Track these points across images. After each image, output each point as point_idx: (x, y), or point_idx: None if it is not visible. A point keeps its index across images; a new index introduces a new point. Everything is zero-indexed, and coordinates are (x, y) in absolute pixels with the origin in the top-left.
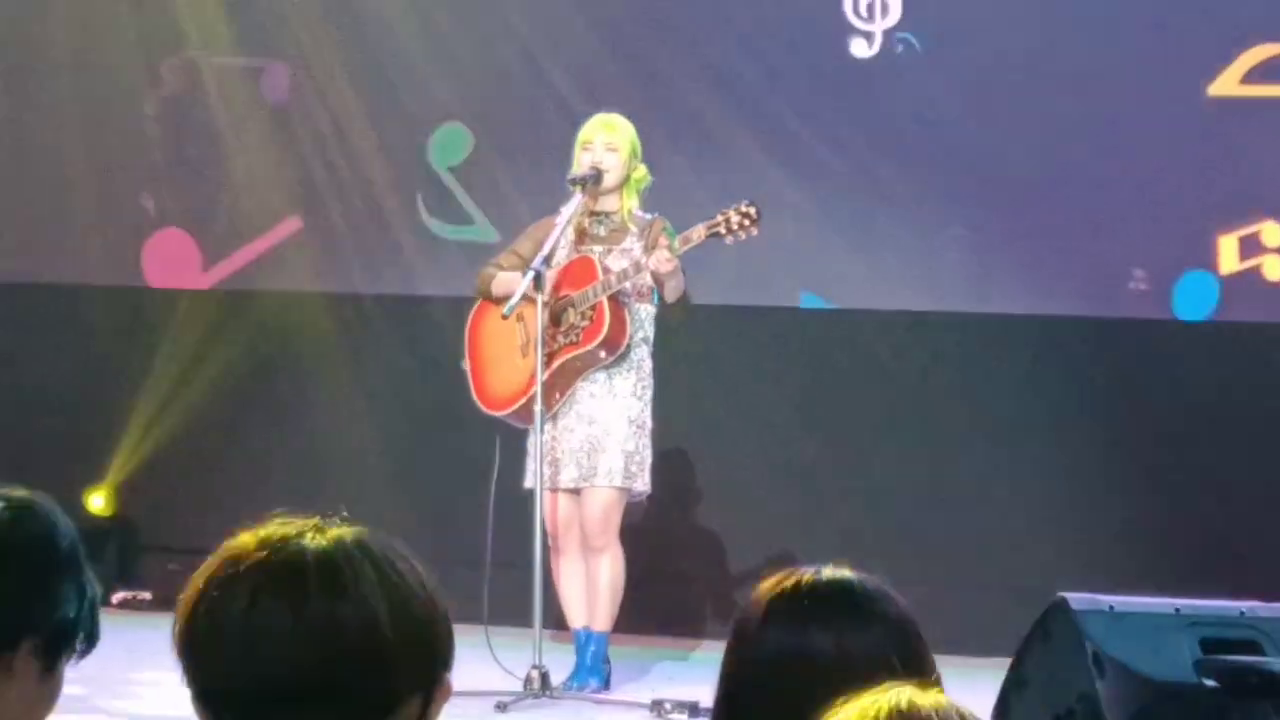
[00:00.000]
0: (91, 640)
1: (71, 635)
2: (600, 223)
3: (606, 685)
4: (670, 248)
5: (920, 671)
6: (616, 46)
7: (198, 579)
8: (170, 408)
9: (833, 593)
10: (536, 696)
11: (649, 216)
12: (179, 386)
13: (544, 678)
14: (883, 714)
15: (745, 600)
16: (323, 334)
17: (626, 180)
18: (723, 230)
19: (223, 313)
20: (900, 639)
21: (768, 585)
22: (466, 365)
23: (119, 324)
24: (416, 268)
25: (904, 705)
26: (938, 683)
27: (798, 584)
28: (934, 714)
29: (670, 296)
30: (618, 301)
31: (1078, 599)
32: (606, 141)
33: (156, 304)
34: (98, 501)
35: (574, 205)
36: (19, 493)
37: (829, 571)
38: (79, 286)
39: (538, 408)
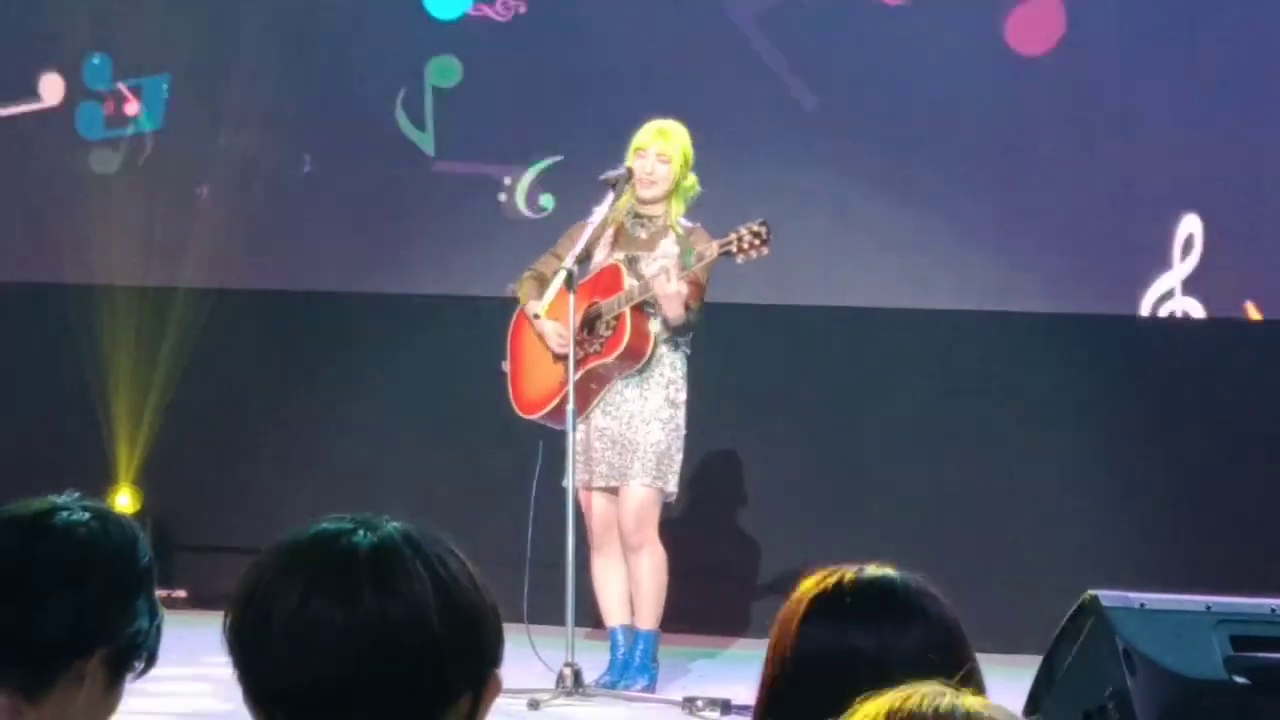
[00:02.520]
0: (152, 661)
1: (140, 650)
2: (642, 225)
3: (654, 685)
4: (685, 266)
5: (960, 674)
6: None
7: (248, 576)
8: (189, 405)
9: (874, 592)
10: (569, 694)
11: (690, 225)
12: (199, 384)
13: (577, 675)
14: (881, 713)
15: (789, 597)
16: (359, 332)
17: (674, 189)
18: (734, 249)
19: (255, 310)
20: (942, 640)
21: (810, 582)
22: (506, 367)
23: (139, 322)
24: (454, 266)
25: (911, 706)
26: (976, 681)
27: (839, 582)
28: (930, 714)
29: (667, 327)
30: (641, 311)
31: (1109, 596)
32: (659, 151)
33: (179, 302)
34: (123, 501)
35: (606, 205)
36: (103, 505)
37: (871, 570)
38: (91, 286)
39: (569, 407)
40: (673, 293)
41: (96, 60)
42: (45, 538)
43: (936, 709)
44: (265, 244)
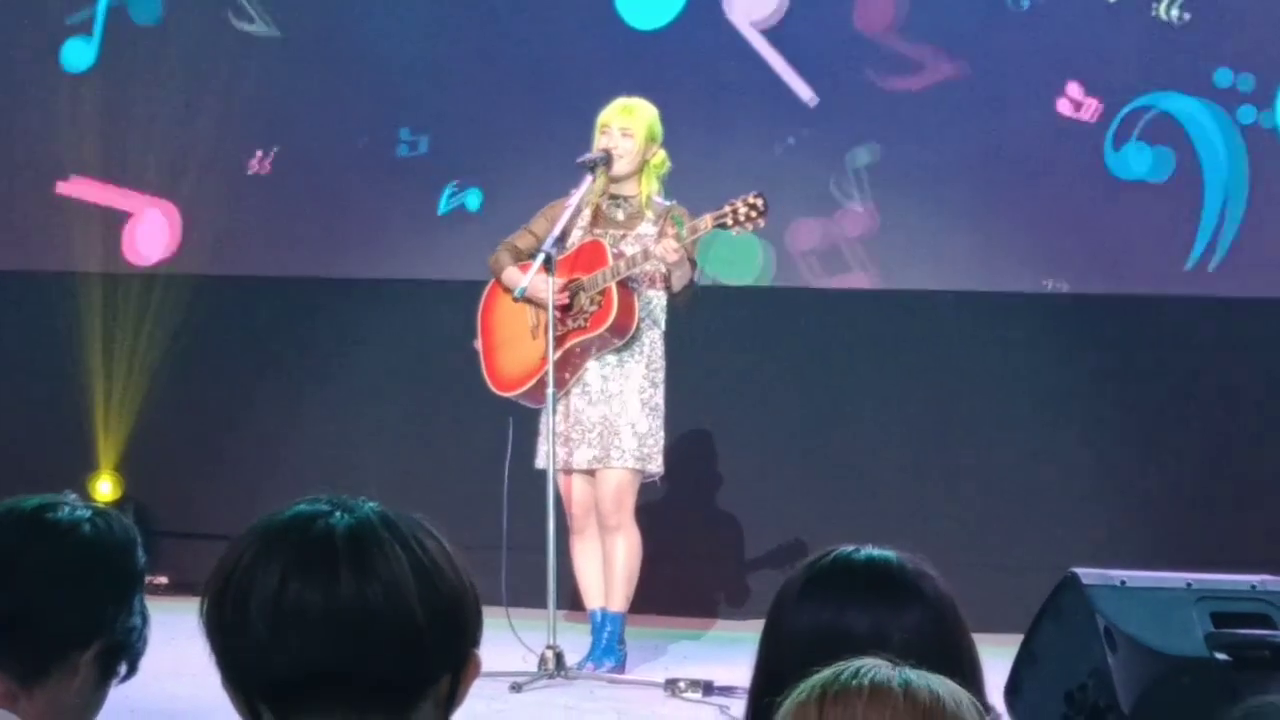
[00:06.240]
0: (134, 668)
1: (129, 650)
2: (618, 206)
3: (622, 667)
4: (678, 236)
5: (958, 655)
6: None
7: (225, 560)
8: (166, 391)
9: (872, 572)
10: (551, 677)
11: (666, 203)
12: (174, 370)
13: (559, 658)
14: (817, 689)
15: (770, 578)
16: (334, 317)
17: (644, 166)
18: (729, 221)
19: (231, 296)
20: (938, 621)
21: (808, 562)
22: (479, 345)
23: (111, 308)
24: (425, 251)
25: (846, 680)
26: (972, 661)
27: (836, 561)
28: (864, 689)
29: (675, 286)
30: (626, 287)
31: (1089, 574)
32: (622, 126)
33: (156, 289)
34: (104, 488)
35: (584, 188)
36: (103, 506)
37: (869, 550)
38: (70, 273)
39: (549, 390)
40: (679, 258)
41: None
42: (51, 531)
43: (873, 680)
44: (240, 230)
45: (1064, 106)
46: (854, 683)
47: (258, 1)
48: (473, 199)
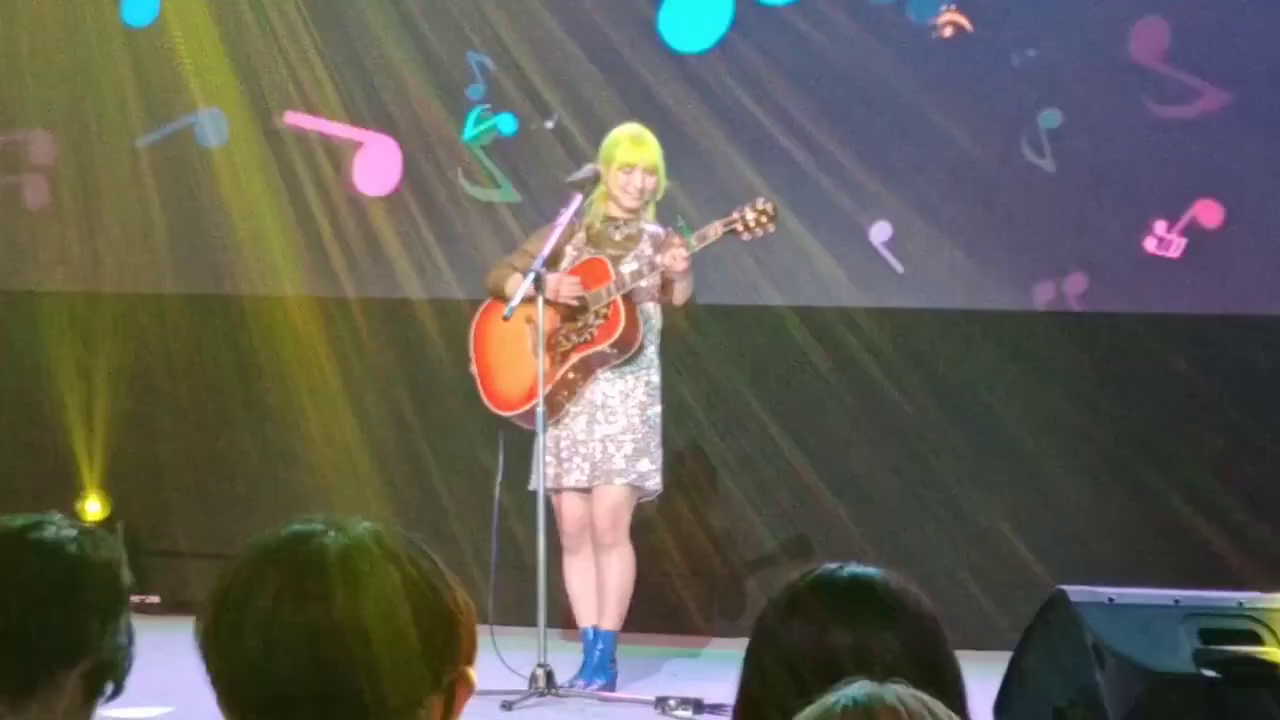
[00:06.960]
0: (120, 687)
1: (116, 669)
2: (616, 228)
3: (613, 684)
4: (687, 245)
5: (941, 672)
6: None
7: (220, 579)
8: (157, 411)
9: (854, 590)
10: (542, 695)
11: (662, 231)
12: (165, 389)
13: (549, 676)
14: (847, 712)
15: (766, 597)
16: (323, 337)
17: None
18: (739, 228)
19: (221, 315)
20: (922, 639)
21: (791, 580)
22: (474, 369)
23: (93, 329)
24: (417, 269)
25: (863, 701)
26: (955, 678)
27: (819, 579)
28: (900, 707)
29: (678, 299)
30: (631, 301)
31: (1077, 591)
32: (646, 167)
33: (136, 307)
34: (93, 507)
35: (573, 207)
36: (88, 525)
37: (852, 568)
38: (41, 292)
39: (540, 409)
40: (687, 268)
41: None
42: (37, 550)
43: (899, 697)
44: (231, 249)
45: None
46: (888, 700)
47: None
48: (506, 123)
